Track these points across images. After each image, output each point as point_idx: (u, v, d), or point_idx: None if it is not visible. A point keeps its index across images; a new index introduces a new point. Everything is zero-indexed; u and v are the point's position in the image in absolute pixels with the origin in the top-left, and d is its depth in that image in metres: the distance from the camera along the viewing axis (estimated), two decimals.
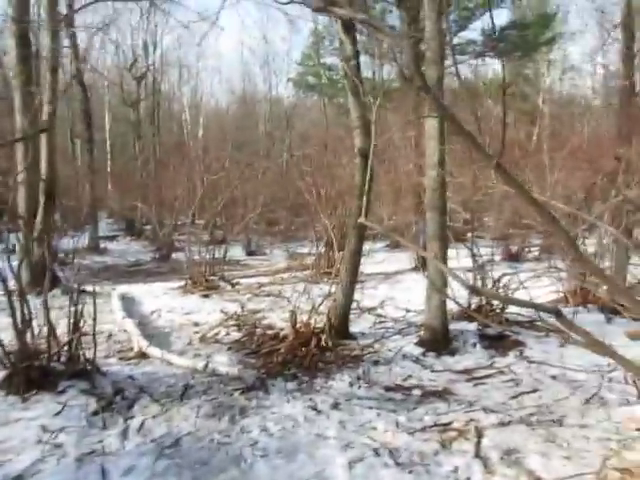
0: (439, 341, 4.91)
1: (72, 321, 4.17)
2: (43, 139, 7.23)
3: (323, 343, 4.80)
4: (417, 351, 4.87)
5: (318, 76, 19.70)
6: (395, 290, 7.98)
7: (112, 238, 16.26)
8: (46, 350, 3.89)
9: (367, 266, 7.97)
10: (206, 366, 4.34)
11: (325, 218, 7.60)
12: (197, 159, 16.49)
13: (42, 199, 7.35)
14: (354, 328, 5.52)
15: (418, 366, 4.59)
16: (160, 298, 7.54)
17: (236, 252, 12.15)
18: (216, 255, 8.97)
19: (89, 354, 4.15)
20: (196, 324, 6.18)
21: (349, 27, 4.84)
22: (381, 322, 5.96)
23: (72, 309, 4.23)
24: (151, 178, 16.55)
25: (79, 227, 15.63)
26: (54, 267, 7.63)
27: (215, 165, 17.59)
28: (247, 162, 16.82)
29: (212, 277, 8.34)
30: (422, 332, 5.13)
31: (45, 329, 3.98)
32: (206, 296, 7.65)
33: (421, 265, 9.28)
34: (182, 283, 8.25)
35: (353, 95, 4.98)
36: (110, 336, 5.66)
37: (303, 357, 4.59)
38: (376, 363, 4.61)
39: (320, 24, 19.68)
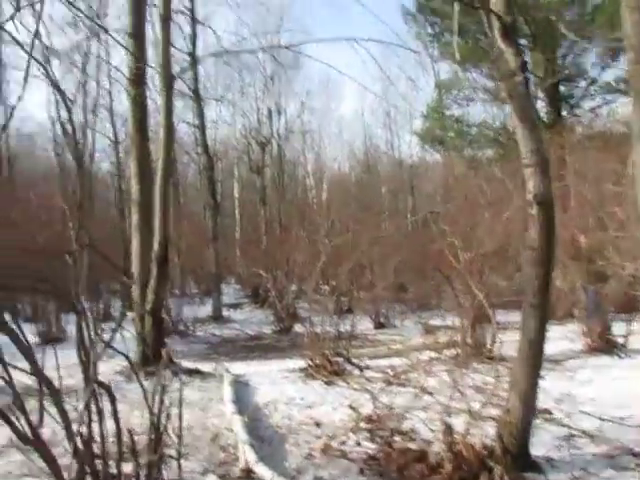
0: None
1: (154, 428, 3.05)
2: (157, 205, 6.85)
3: (496, 479, 3.28)
4: None
5: (445, 129, 18.50)
6: (569, 383, 6.08)
7: (237, 306, 15.98)
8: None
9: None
10: None
11: (473, 285, 6.17)
12: (320, 223, 15.95)
13: (154, 267, 6.85)
14: (532, 448, 3.89)
15: None
16: (277, 384, 6.49)
17: (363, 324, 10.91)
18: (341, 329, 7.83)
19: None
20: (318, 424, 4.97)
21: (509, 31, 3.61)
22: (570, 436, 4.24)
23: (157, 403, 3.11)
24: (275, 244, 16.25)
25: (205, 294, 15.58)
26: (162, 343, 6.97)
27: (339, 227, 16.96)
28: (372, 223, 15.90)
29: (337, 358, 7.14)
30: None
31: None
32: (329, 383, 6.45)
33: (607, 344, 7.28)
34: (302, 364, 7.17)
35: (522, 122, 3.66)
36: (215, 438, 4.64)
37: None
38: None
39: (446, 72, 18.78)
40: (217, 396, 5.96)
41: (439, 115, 19.91)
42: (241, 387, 6.27)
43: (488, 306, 6.50)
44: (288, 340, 9.82)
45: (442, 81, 19.44)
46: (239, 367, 7.60)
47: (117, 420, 2.87)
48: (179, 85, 19.30)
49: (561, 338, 8.25)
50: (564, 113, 17.50)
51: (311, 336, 7.28)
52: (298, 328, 10.67)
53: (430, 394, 5.37)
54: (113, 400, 2.86)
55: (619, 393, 5.45)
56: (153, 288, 6.85)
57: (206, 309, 13.87)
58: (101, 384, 2.85)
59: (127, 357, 3.34)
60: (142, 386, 3.05)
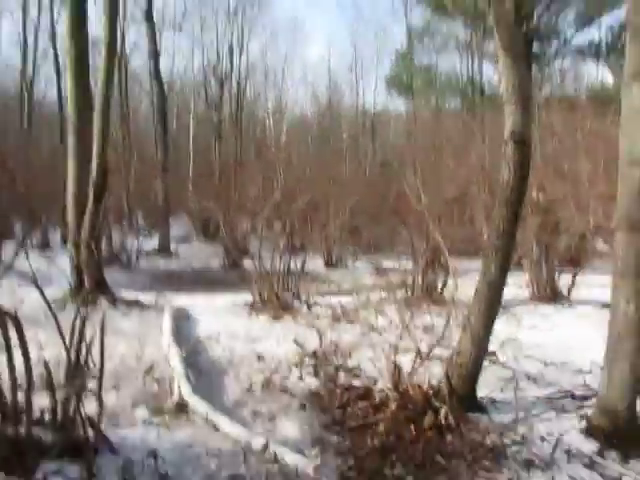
0: (624, 434, 3.13)
1: (74, 353, 2.75)
2: (96, 129, 6.21)
3: (441, 418, 3.17)
4: (588, 446, 3.11)
5: (413, 76, 18.03)
6: (515, 328, 6.11)
7: (185, 240, 15.48)
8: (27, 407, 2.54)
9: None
10: (266, 447, 2.85)
11: (432, 226, 5.98)
12: (277, 161, 15.38)
13: (91, 195, 6.32)
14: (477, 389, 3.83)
15: (595, 476, 2.86)
16: (221, 317, 6.22)
17: (315, 263, 10.73)
18: (292, 266, 7.58)
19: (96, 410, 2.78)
20: (261, 358, 4.76)
21: None
22: (514, 379, 4.21)
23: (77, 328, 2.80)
24: (228, 179, 15.62)
25: (153, 228, 15.00)
26: (99, 273, 6.54)
27: (296, 166, 16.47)
28: (330, 164, 15.53)
29: (285, 293, 6.94)
30: (592, 413, 3.35)
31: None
32: (276, 318, 6.25)
33: (552, 294, 7.39)
34: (249, 299, 6.92)
35: (505, 52, 3.33)
36: (151, 369, 4.35)
37: (413, 442, 2.99)
38: (528, 465, 2.91)
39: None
40: (156, 328, 5.64)
41: (408, 62, 19.35)
42: (182, 319, 5.97)
43: (443, 250, 6.37)
44: (236, 275, 9.53)
45: (413, 28, 18.75)
46: (182, 300, 7.27)
47: (25, 349, 2.51)
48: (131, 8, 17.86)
49: (510, 285, 8.35)
50: (533, 72, 17.32)
51: (259, 270, 7.00)
52: (248, 265, 10.38)
53: (378, 333, 5.29)
54: (19, 328, 2.49)
55: (562, 340, 5.52)
56: (89, 217, 6.32)
57: (153, 242, 13.36)
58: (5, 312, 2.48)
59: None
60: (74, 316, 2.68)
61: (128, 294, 7.26)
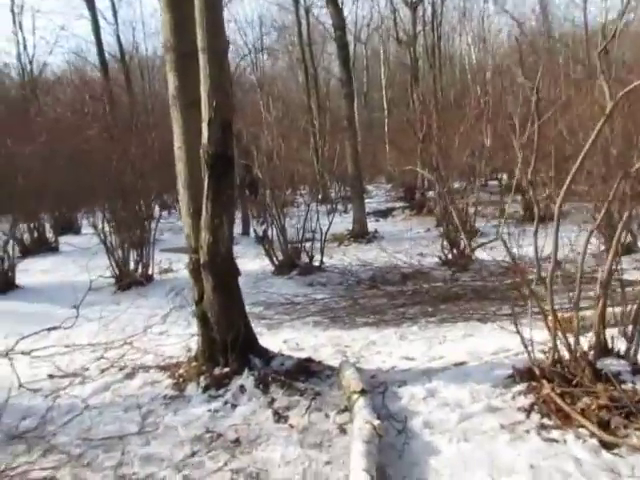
0: None
1: None
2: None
3: None
4: None
5: None
6: None
7: (386, 214, 12.33)
8: None
9: None
10: None
11: None
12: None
13: (206, 176, 3.37)
14: None
15: None
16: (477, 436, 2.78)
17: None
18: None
19: None
20: None
21: None
22: None
23: None
24: (433, 134, 11.80)
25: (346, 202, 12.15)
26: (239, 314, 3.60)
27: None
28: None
29: None
30: None
31: None
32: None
33: None
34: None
35: None
36: None
37: None
38: None
39: None
40: (341, 451, 2.50)
41: None
42: (392, 435, 2.69)
43: None
44: (470, 279, 5.90)
45: None
46: (391, 345, 4.09)
47: None
48: None
49: None
50: None
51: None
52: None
53: None
54: None
55: None
56: (207, 219, 3.43)
57: (346, 221, 10.40)
58: None
59: None
60: None
61: (295, 334, 4.37)
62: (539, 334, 3.07)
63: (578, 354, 2.78)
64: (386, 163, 20.87)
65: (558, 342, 2.88)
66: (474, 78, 23.49)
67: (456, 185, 8.33)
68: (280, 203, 7.62)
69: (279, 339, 4.45)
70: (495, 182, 11.86)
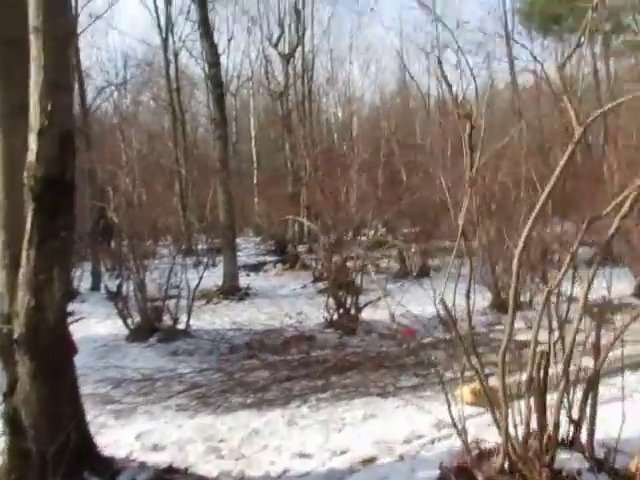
0: None
1: None
2: None
3: None
4: None
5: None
6: None
7: (258, 268, 11.54)
8: None
9: None
10: None
11: None
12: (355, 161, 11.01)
13: (30, 211, 2.35)
14: None
15: None
16: None
17: None
18: None
19: None
20: None
21: None
22: None
23: None
24: (310, 184, 11.45)
25: (214, 255, 11.15)
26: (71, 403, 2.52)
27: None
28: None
29: None
30: None
31: None
32: None
33: None
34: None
35: None
36: None
37: None
38: None
39: None
40: None
41: None
42: None
43: None
44: (362, 343, 5.27)
45: None
46: (279, 435, 3.21)
47: None
48: None
49: None
50: None
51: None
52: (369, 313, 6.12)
53: None
54: None
55: None
56: (29, 274, 2.38)
57: (215, 275, 9.37)
58: None
59: None
60: None
61: (151, 426, 3.31)
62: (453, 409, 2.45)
63: (530, 453, 2.19)
64: (254, 215, 20.34)
65: (500, 433, 2.28)
66: (340, 135, 24.38)
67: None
68: (140, 254, 6.53)
69: (130, 433, 3.35)
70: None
